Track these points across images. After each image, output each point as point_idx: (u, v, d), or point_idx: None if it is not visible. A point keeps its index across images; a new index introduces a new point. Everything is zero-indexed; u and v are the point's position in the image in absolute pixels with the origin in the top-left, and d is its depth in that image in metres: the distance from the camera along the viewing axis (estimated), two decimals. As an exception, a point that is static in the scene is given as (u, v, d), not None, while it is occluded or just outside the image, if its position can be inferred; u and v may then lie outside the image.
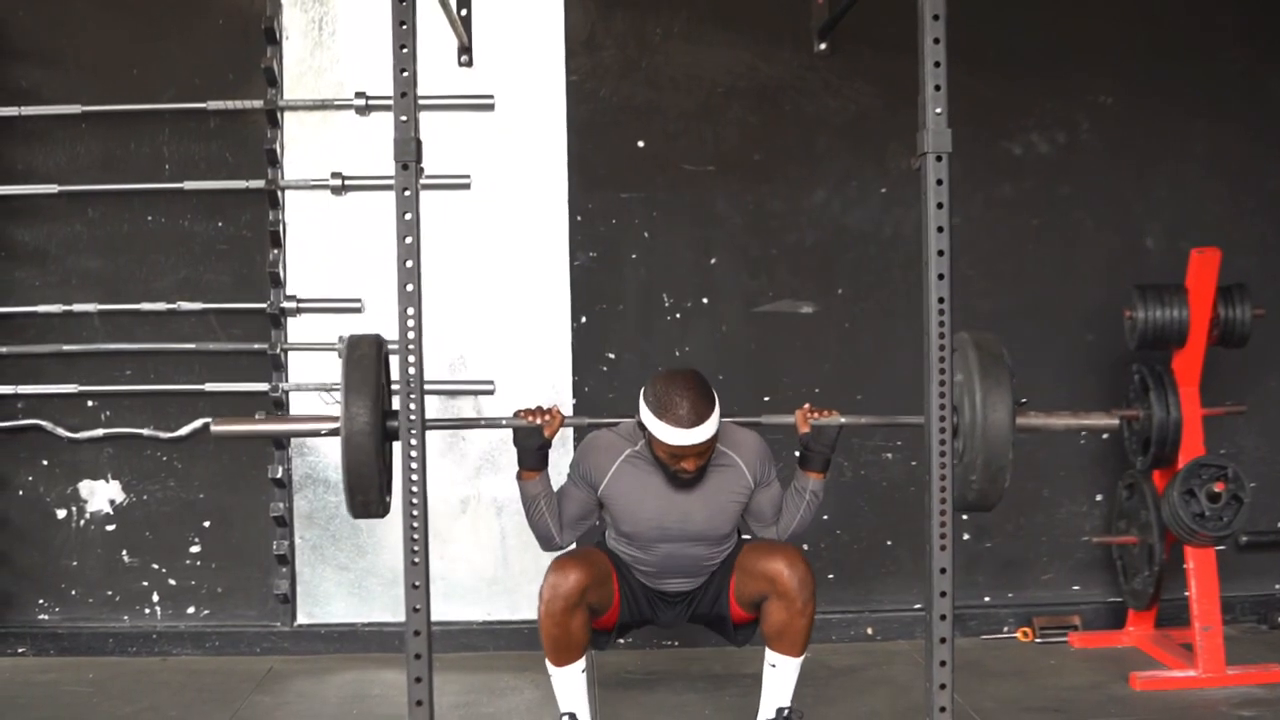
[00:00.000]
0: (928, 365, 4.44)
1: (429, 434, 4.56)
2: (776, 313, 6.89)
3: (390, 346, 4.75)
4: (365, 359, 4.68)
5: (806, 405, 5.28)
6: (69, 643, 7.02)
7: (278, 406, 6.93)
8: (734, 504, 5.33)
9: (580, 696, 5.29)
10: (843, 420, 5.22)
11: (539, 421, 5.16)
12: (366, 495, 4.67)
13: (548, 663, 5.25)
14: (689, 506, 5.26)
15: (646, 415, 5.10)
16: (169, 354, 6.97)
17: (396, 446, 4.62)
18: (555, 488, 5.40)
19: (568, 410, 6.91)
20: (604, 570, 5.29)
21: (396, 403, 4.61)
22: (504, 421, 5.22)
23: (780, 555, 5.17)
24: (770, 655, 5.29)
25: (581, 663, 5.26)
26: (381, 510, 4.79)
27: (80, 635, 7.03)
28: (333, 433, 4.74)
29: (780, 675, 5.28)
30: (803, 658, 5.26)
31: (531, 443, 5.20)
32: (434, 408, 6.78)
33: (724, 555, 5.42)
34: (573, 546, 5.49)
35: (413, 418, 4.42)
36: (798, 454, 5.36)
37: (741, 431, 5.40)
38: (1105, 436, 7.12)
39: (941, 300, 4.40)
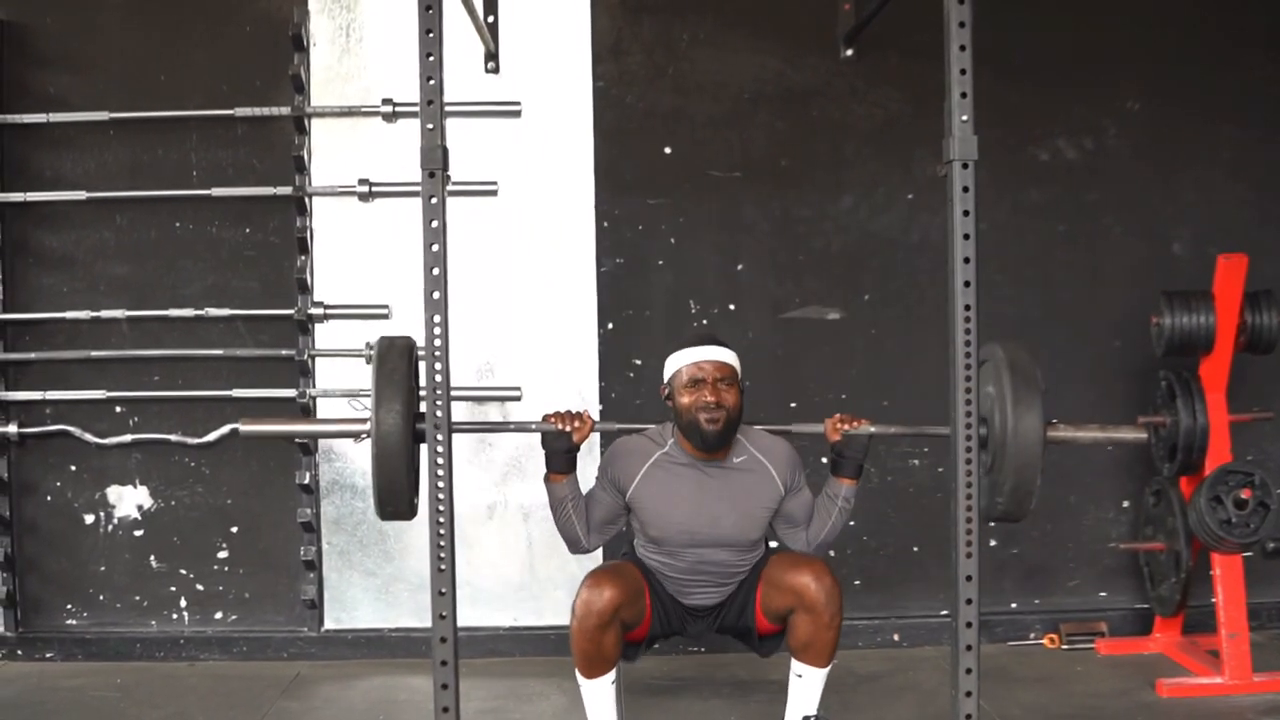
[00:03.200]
0: (953, 373, 4.43)
1: (456, 439, 4.55)
2: (803, 319, 6.89)
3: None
4: (396, 361, 4.68)
5: (837, 415, 5.24)
6: (96, 648, 7.05)
7: (305, 413, 6.94)
8: (764, 509, 5.33)
9: (609, 709, 5.28)
10: (872, 429, 5.19)
11: (568, 428, 5.15)
12: (395, 498, 4.68)
13: (578, 674, 5.24)
14: (718, 510, 5.25)
15: (668, 361, 5.26)
16: (197, 360, 7.00)
17: (424, 449, 4.65)
18: (584, 490, 5.40)
19: (595, 415, 6.93)
20: (637, 586, 5.27)
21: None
22: (533, 426, 5.20)
23: (807, 568, 5.16)
24: (796, 665, 5.28)
25: (612, 675, 5.24)
26: (409, 513, 4.80)
27: (108, 640, 7.05)
28: (362, 435, 4.76)
29: (806, 685, 5.27)
30: (829, 667, 5.26)
31: (560, 445, 5.20)
32: (461, 413, 6.79)
33: (752, 563, 5.41)
34: (601, 559, 5.47)
35: (439, 423, 4.42)
36: (828, 460, 5.35)
37: (771, 438, 5.40)
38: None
39: (967, 307, 4.39)
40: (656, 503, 5.29)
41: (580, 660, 5.18)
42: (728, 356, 5.21)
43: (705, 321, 6.98)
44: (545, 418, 5.19)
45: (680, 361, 5.19)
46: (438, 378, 4.40)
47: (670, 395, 5.24)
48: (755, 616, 5.37)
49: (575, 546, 5.43)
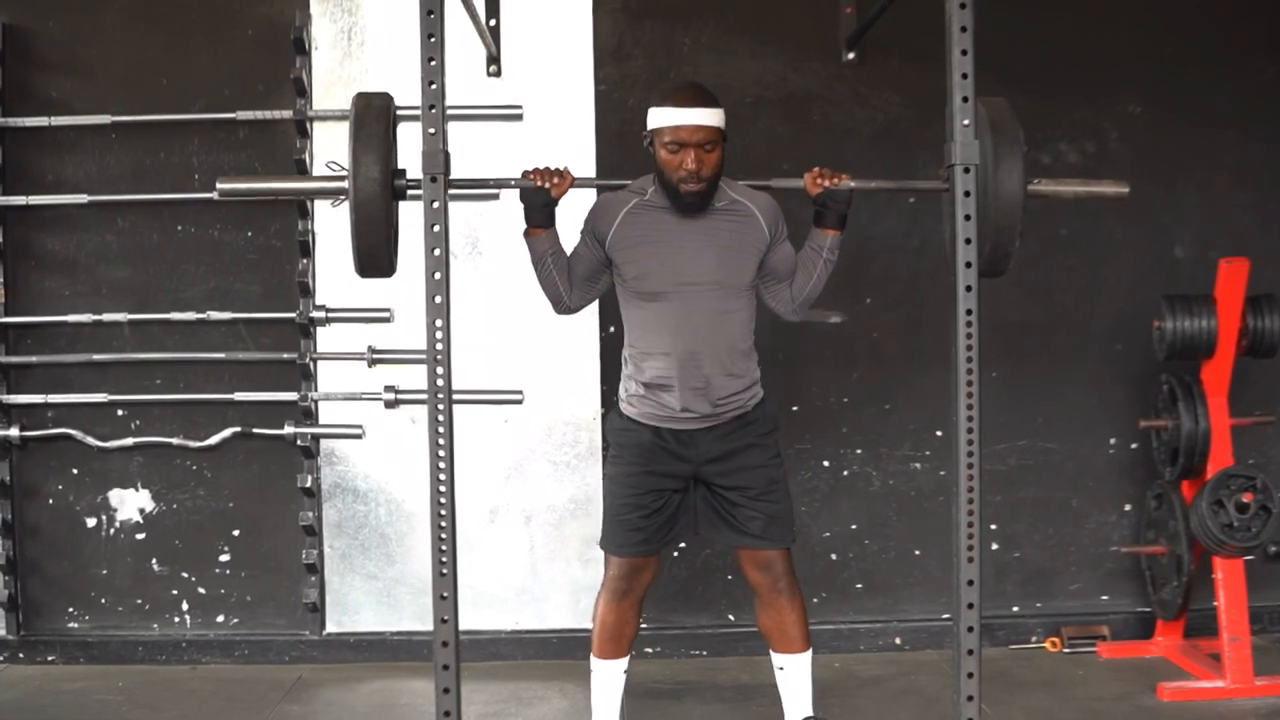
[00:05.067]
0: (955, 360, 4.43)
1: (458, 434, 4.55)
2: (805, 322, 6.87)
3: (399, 110, 4.75)
4: (372, 123, 4.62)
5: (816, 169, 5.11)
6: (98, 651, 7.05)
7: (307, 416, 6.94)
8: (750, 250, 5.19)
9: (615, 701, 5.31)
10: (853, 184, 5.07)
11: (547, 184, 5.05)
12: (375, 256, 4.68)
13: (592, 658, 5.28)
14: (701, 244, 5.12)
15: (650, 113, 5.07)
16: (198, 363, 7.00)
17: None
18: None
19: (597, 412, 6.93)
20: (656, 563, 5.27)
21: (403, 162, 4.59)
22: (513, 182, 5.11)
23: (765, 572, 5.20)
24: (775, 658, 5.30)
25: (624, 663, 5.29)
26: (389, 269, 4.78)
27: (110, 644, 7.06)
28: (340, 188, 4.71)
29: (793, 677, 5.27)
30: (809, 653, 5.25)
31: (538, 199, 5.09)
32: (461, 417, 6.79)
33: (746, 349, 5.29)
34: (582, 300, 5.25)
35: (441, 428, 4.42)
36: (813, 214, 5.23)
37: (753, 190, 5.28)
38: (1134, 447, 7.12)
39: (969, 311, 4.40)
40: (637, 242, 5.15)
41: (601, 636, 5.23)
42: (712, 118, 5.03)
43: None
44: (525, 174, 5.08)
45: (663, 120, 5.01)
46: (439, 381, 4.40)
47: (651, 144, 5.11)
48: (733, 527, 5.27)
49: (558, 304, 5.33)
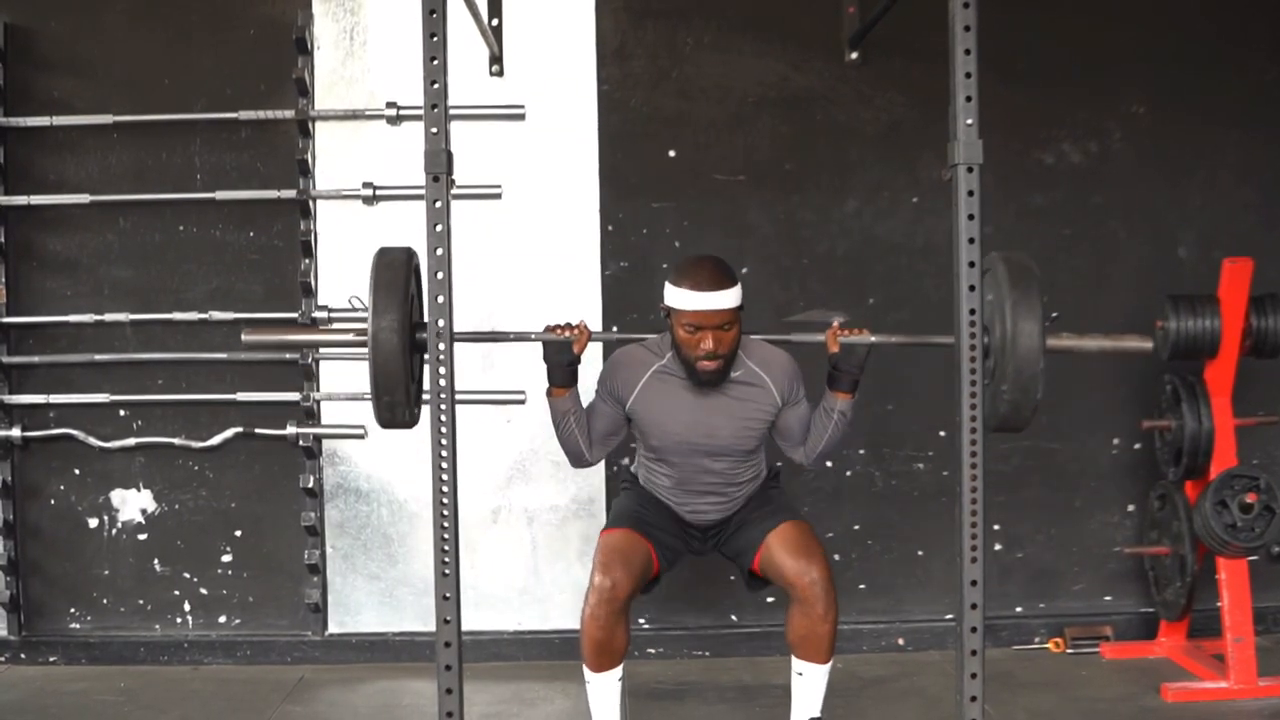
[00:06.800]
0: (958, 377, 4.42)
1: (461, 429, 4.53)
2: (808, 322, 6.86)
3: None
4: (394, 267, 4.64)
5: (836, 323, 5.22)
6: (100, 652, 7.04)
7: (309, 416, 6.93)
8: (760, 420, 5.36)
9: (614, 708, 5.28)
10: (873, 339, 5.18)
11: (568, 335, 5.14)
12: (393, 399, 4.63)
13: (585, 669, 5.23)
14: (715, 420, 5.30)
15: (668, 290, 5.16)
16: (200, 363, 6.99)
17: (428, 422, 4.60)
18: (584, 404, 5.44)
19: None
20: (644, 557, 5.29)
21: (425, 313, 4.59)
22: (533, 335, 5.17)
23: (803, 558, 5.17)
24: (796, 663, 5.27)
25: (619, 671, 5.24)
26: (409, 418, 4.74)
27: (111, 644, 7.05)
28: (360, 340, 4.72)
29: (808, 684, 5.26)
30: (830, 664, 5.23)
31: (561, 359, 5.19)
32: (464, 417, 6.77)
33: (752, 474, 5.48)
34: (603, 481, 5.46)
35: (444, 428, 4.41)
36: (826, 374, 5.32)
37: (770, 349, 5.41)
38: (1137, 447, 7.11)
39: (973, 311, 4.39)
40: (655, 414, 5.34)
41: (590, 651, 5.17)
42: (730, 299, 5.12)
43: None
44: (546, 329, 5.18)
45: (681, 301, 5.10)
46: (442, 380, 4.39)
47: (669, 316, 5.20)
48: (753, 561, 5.40)
49: (579, 460, 5.47)
